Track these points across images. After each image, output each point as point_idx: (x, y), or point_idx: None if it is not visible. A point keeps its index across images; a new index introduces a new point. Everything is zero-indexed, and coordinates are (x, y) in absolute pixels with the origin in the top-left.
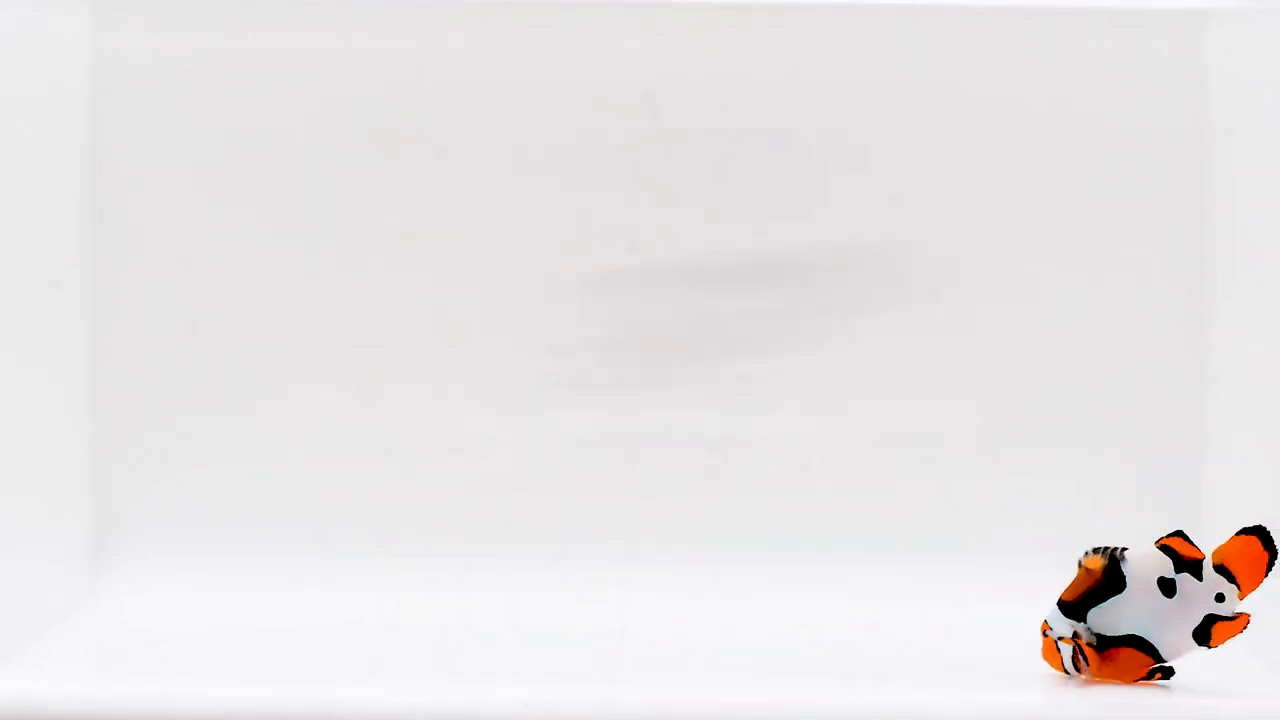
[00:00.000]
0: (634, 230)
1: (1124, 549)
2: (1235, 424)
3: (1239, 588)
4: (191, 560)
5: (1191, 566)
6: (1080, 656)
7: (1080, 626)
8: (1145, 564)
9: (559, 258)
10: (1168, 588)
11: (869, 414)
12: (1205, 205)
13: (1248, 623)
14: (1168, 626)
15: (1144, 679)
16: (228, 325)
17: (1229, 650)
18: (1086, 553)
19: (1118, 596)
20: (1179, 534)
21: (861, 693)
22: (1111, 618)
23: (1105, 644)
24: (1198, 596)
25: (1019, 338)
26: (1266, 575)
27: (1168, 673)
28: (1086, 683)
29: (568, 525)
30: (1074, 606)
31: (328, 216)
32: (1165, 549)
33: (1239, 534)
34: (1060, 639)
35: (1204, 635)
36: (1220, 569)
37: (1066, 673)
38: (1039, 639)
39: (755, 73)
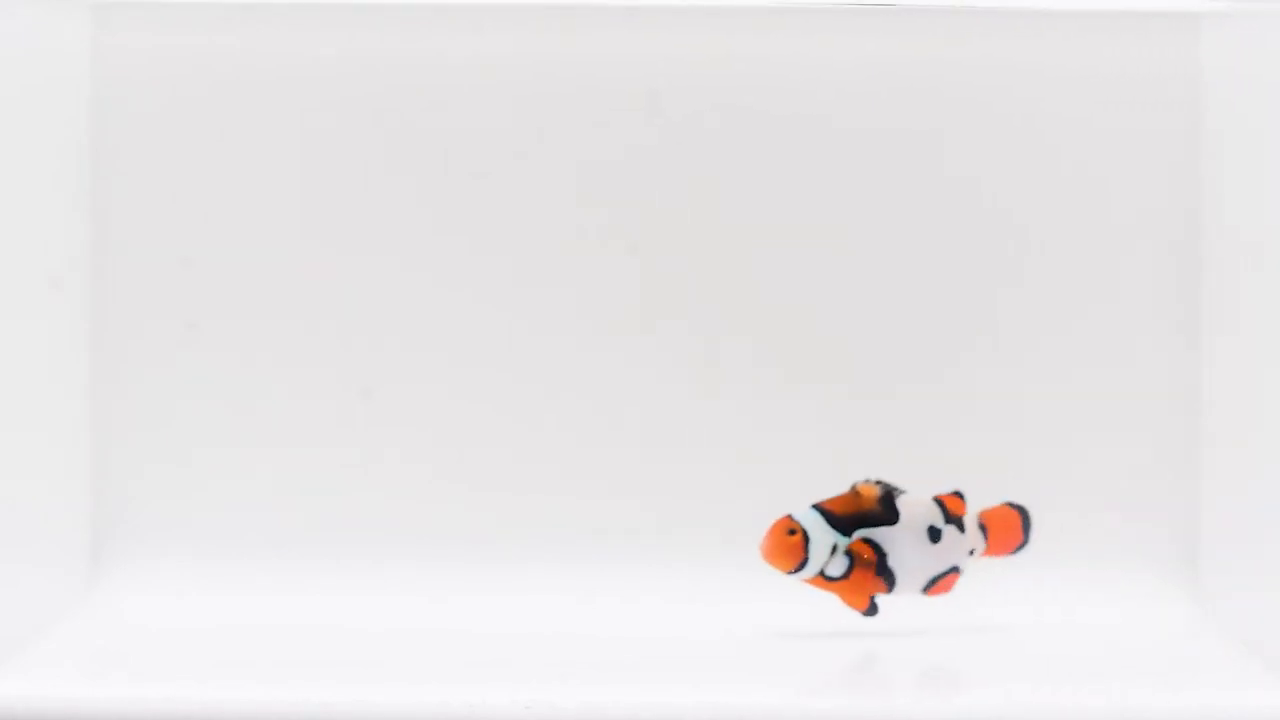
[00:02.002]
0: (634, 230)
1: (902, 491)
2: (1234, 424)
3: (987, 547)
4: (191, 560)
5: (957, 521)
6: (849, 564)
7: (843, 540)
8: (919, 508)
9: (559, 258)
10: (934, 535)
11: (868, 414)
12: (1201, 207)
13: (957, 580)
14: (917, 567)
15: (859, 608)
16: (228, 325)
17: (1229, 650)
18: (865, 480)
19: (888, 528)
20: (956, 493)
21: (861, 693)
22: (874, 544)
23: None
24: (954, 548)
25: (1016, 338)
26: (1013, 552)
27: (872, 609)
28: (814, 584)
29: (568, 525)
30: (844, 522)
31: (328, 216)
32: (939, 502)
33: (1008, 505)
34: (821, 542)
35: (934, 582)
36: (982, 527)
37: (789, 571)
38: (773, 529)
39: (757, 73)
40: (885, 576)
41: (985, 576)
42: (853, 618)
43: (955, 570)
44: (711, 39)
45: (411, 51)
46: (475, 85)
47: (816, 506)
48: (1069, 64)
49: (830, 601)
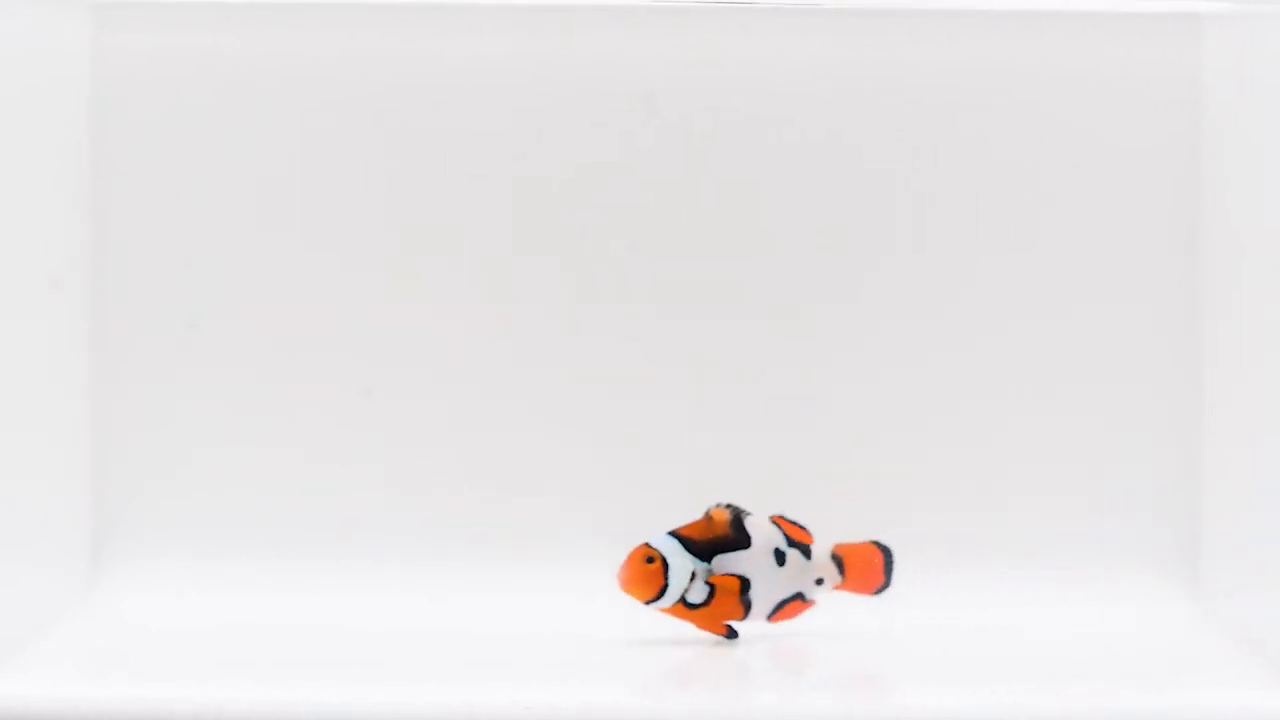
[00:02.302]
0: (633, 230)
1: (749, 513)
2: (1234, 424)
3: (843, 580)
4: (191, 560)
5: (801, 547)
6: (709, 592)
7: (702, 566)
8: (766, 530)
9: (558, 257)
10: (780, 558)
11: (867, 416)
12: (1201, 209)
13: (807, 608)
14: (766, 593)
15: (718, 633)
16: (228, 325)
17: (1229, 650)
18: (716, 505)
19: (743, 551)
20: (783, 517)
21: (862, 693)
22: (733, 571)
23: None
24: (798, 574)
25: (1016, 340)
26: (874, 593)
27: (731, 634)
28: (672, 612)
29: (568, 525)
30: (699, 547)
31: (328, 216)
32: (777, 525)
33: (873, 543)
34: (680, 569)
35: (779, 608)
36: (835, 558)
37: (649, 600)
38: (630, 558)
39: (755, 74)
40: (744, 603)
41: (985, 576)
42: (852, 619)
43: (800, 597)
44: (709, 40)
45: (411, 51)
46: (475, 85)
47: (673, 533)
48: (1070, 65)
49: (830, 601)
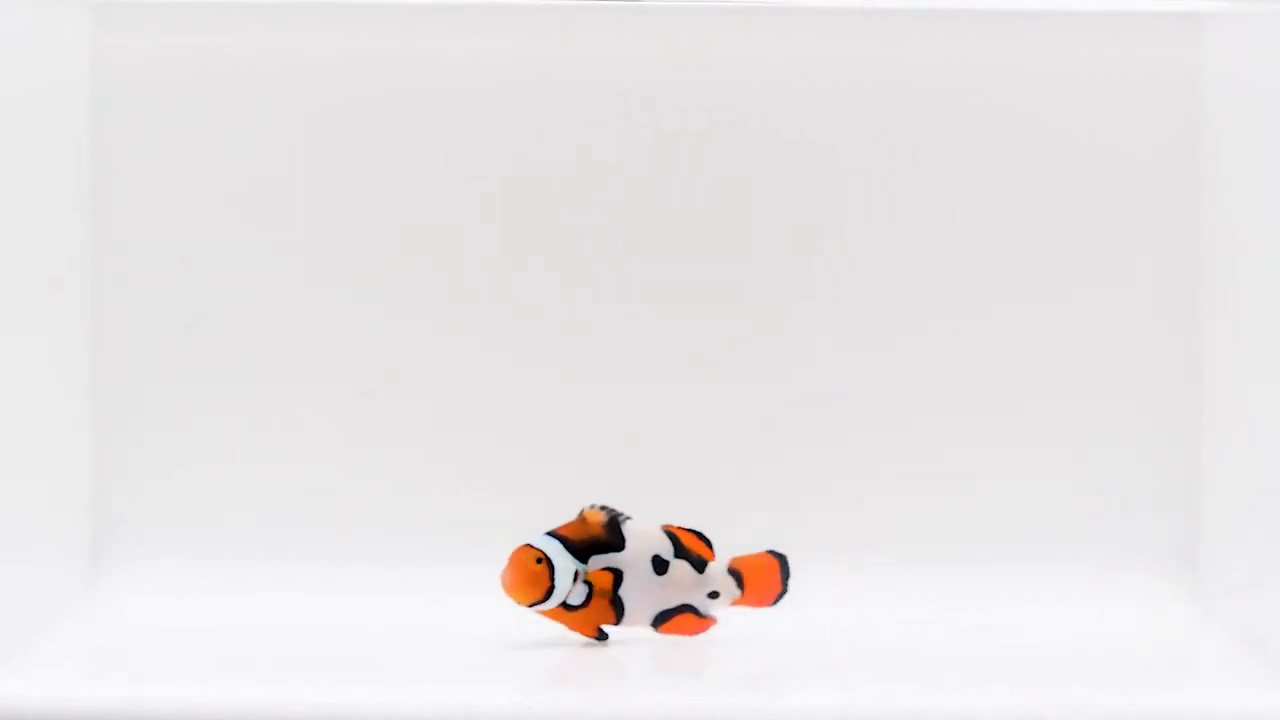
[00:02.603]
0: (632, 230)
1: (628, 517)
2: (1234, 424)
3: (742, 594)
4: (191, 560)
5: (695, 560)
6: (587, 593)
7: (581, 567)
8: (646, 537)
9: (557, 257)
10: (660, 565)
11: (864, 415)
12: (1200, 208)
13: (707, 626)
14: (642, 599)
15: (589, 635)
16: (228, 325)
17: (1229, 650)
18: (591, 505)
19: (617, 554)
20: (699, 534)
21: (862, 692)
22: (609, 570)
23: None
24: (685, 585)
25: (1016, 339)
26: (772, 604)
27: (602, 636)
28: (549, 614)
29: None
30: (578, 548)
31: (327, 217)
32: (671, 534)
33: (769, 552)
34: (565, 570)
35: (665, 618)
36: (734, 572)
37: (534, 602)
38: (515, 561)
39: (753, 74)
40: (615, 606)
41: (985, 575)
42: (851, 618)
43: (689, 610)
44: (708, 41)
45: (411, 52)
46: (475, 85)
47: (552, 534)
48: (1070, 64)
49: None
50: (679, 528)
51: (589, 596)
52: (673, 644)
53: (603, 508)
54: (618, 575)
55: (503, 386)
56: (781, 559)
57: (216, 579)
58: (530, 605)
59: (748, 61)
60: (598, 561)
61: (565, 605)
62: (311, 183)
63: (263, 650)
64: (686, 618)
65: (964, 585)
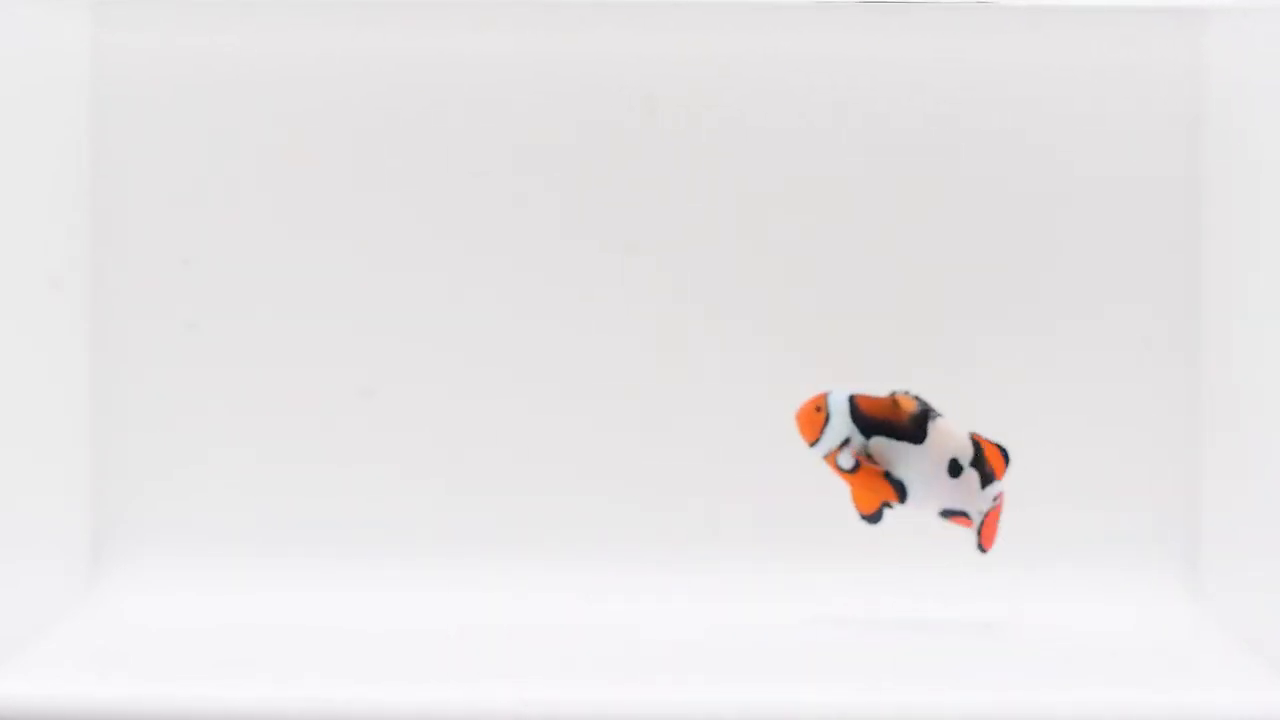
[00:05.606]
0: (633, 230)
1: (940, 415)
2: (1234, 423)
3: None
4: (191, 560)
5: (986, 474)
6: (856, 456)
7: (859, 439)
8: (950, 437)
9: (558, 257)
10: (955, 469)
11: None
12: (1203, 204)
13: (967, 526)
14: (929, 492)
15: (864, 510)
16: (228, 325)
17: (1229, 649)
18: (905, 392)
19: (911, 445)
20: (1002, 450)
21: (864, 690)
22: (888, 455)
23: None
24: (971, 493)
25: (1015, 340)
26: (981, 549)
27: (877, 517)
28: (833, 467)
29: (568, 525)
30: (868, 422)
31: (328, 216)
32: (975, 443)
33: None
34: (836, 430)
35: (948, 515)
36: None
37: (812, 442)
38: (807, 401)
39: (754, 73)
40: (896, 486)
41: (984, 574)
42: (854, 616)
43: (966, 515)
44: (708, 40)
45: (411, 51)
46: (475, 85)
47: (852, 397)
48: (1073, 60)
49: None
50: (985, 439)
51: (856, 466)
52: (670, 641)
53: (917, 397)
54: (895, 483)
55: (503, 386)
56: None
57: (216, 579)
58: (808, 445)
59: (750, 61)
60: (881, 443)
61: (838, 463)
62: (312, 182)
63: (263, 650)
64: (964, 520)
65: (963, 584)
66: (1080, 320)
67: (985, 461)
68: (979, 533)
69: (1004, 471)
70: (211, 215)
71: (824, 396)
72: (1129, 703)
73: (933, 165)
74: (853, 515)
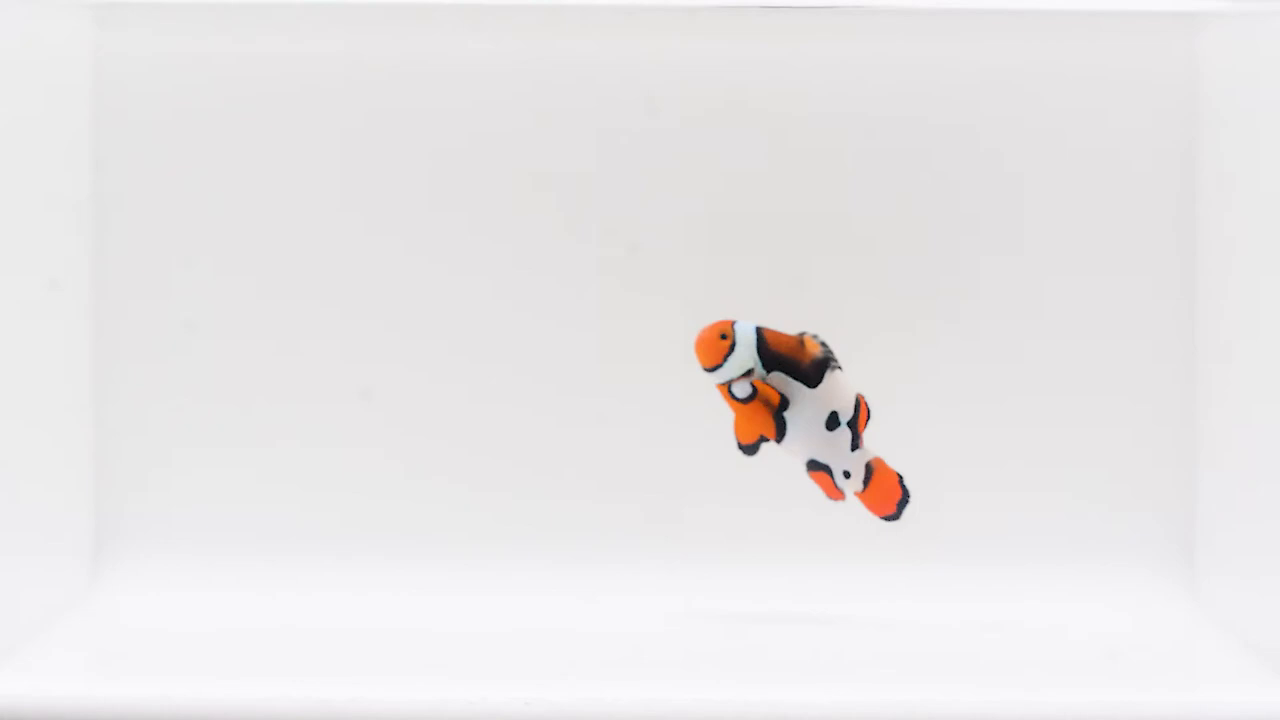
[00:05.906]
0: (634, 230)
1: (840, 367)
2: (1232, 422)
3: (864, 491)
4: (191, 560)
5: (856, 436)
6: (751, 392)
7: (761, 371)
8: (840, 391)
9: (558, 258)
10: (832, 422)
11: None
12: (1198, 208)
13: (837, 499)
14: (805, 439)
15: (743, 440)
16: (228, 325)
17: (1227, 648)
18: (814, 336)
19: (805, 388)
20: (867, 404)
21: (865, 690)
22: (781, 392)
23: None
24: (839, 451)
25: (1013, 340)
26: (883, 518)
27: (753, 449)
28: (723, 394)
29: (568, 525)
30: (771, 356)
31: (328, 217)
32: (858, 404)
33: (900, 479)
34: (740, 366)
35: (813, 467)
36: (869, 467)
37: (711, 367)
38: (709, 326)
39: (755, 74)
40: (779, 424)
41: (982, 574)
42: (854, 617)
43: (829, 473)
44: (708, 40)
45: (411, 51)
46: (475, 85)
47: (759, 329)
48: (1066, 63)
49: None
50: (865, 403)
51: (750, 397)
52: (667, 638)
53: (823, 343)
54: (784, 402)
55: (504, 386)
56: (906, 493)
57: (218, 578)
58: (704, 369)
59: (750, 61)
60: (778, 380)
61: (730, 391)
62: (312, 183)
63: (264, 650)
64: (825, 478)
65: (962, 584)
66: (1077, 321)
67: (858, 425)
68: (837, 491)
69: (862, 428)
70: (212, 216)
71: (730, 324)
72: (1127, 703)
73: (930, 168)
74: (852, 516)
